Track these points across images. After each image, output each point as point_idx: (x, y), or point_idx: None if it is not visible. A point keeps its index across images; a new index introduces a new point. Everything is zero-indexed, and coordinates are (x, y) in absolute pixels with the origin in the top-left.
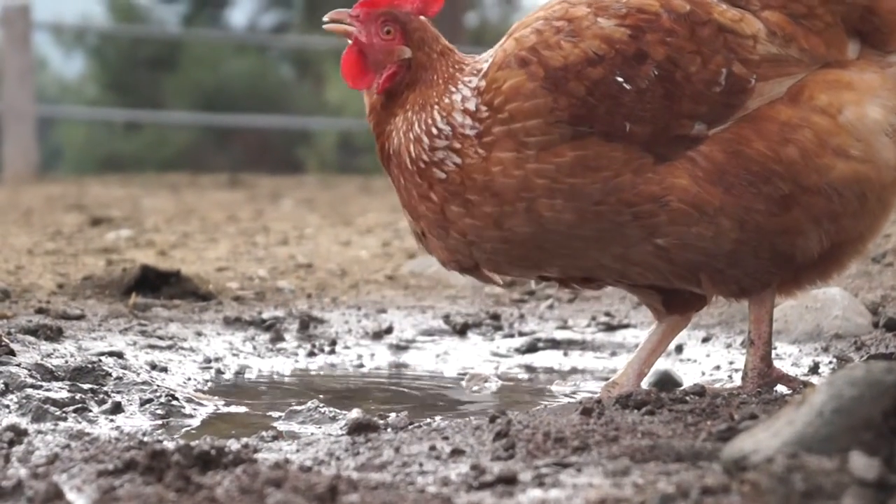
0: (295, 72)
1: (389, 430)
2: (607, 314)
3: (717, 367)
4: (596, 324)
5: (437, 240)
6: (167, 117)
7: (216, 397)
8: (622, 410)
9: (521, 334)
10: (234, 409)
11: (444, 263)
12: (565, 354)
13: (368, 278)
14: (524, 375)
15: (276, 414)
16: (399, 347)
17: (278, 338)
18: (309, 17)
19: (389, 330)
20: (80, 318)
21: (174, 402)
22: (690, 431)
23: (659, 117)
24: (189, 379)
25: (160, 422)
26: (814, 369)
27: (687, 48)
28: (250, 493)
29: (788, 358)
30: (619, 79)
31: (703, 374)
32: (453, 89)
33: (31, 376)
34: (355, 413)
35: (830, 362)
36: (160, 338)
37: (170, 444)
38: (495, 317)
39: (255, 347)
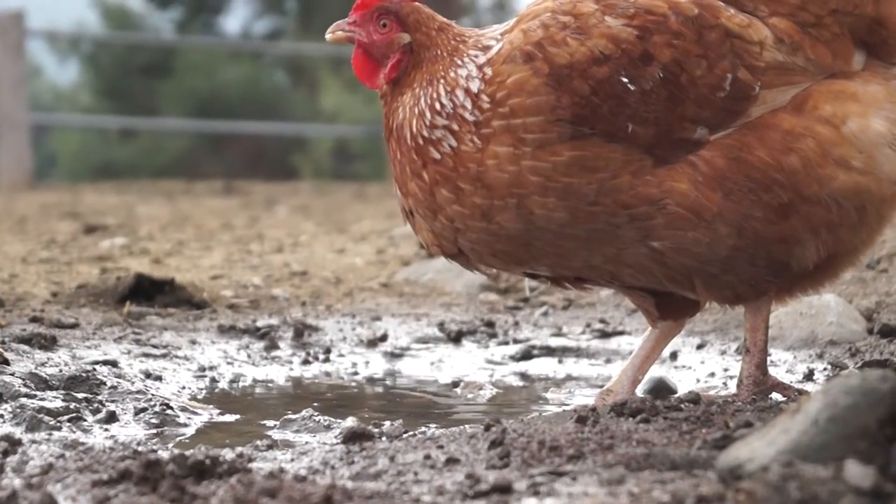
0: (289, 78)
1: (384, 438)
2: (602, 321)
3: (712, 375)
4: (591, 331)
5: (423, 220)
6: (162, 124)
7: (211, 406)
8: (617, 418)
9: (516, 341)
10: (228, 417)
11: (428, 246)
12: (560, 362)
13: (363, 286)
14: (519, 383)
15: (270, 423)
16: (394, 355)
17: (273, 346)
18: (303, 23)
19: (384, 338)
20: (74, 326)
21: (169, 411)
22: (685, 439)
23: (662, 119)
24: (183, 387)
25: (155, 431)
26: (808, 376)
27: (693, 52)
28: (245, 502)
29: (783, 364)
30: (624, 79)
31: (698, 381)
32: (459, 62)
33: (25, 385)
34: (350, 422)
35: (825, 369)
36: (155, 346)
37: (164, 454)
38: (490, 324)
39: (249, 356)
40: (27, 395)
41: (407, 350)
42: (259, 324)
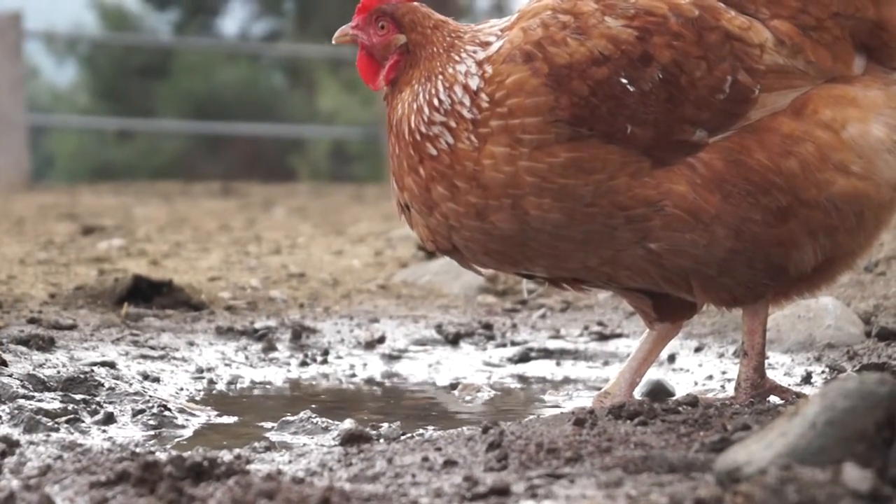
0: (287, 80)
1: (382, 440)
2: (600, 323)
3: (710, 377)
4: (588, 333)
5: (419, 216)
6: (159, 125)
7: (208, 407)
8: (615, 421)
9: (514, 344)
10: (226, 419)
11: (423, 241)
12: (558, 364)
13: (361, 288)
14: (517, 385)
15: (268, 424)
16: (391, 357)
17: (270, 347)
18: (301, 25)
19: (382, 339)
20: (72, 328)
21: (166, 413)
22: (683, 442)
23: (661, 121)
24: (181, 389)
25: (152, 432)
26: (806, 379)
27: (693, 53)
28: None
29: (781, 367)
30: (623, 80)
31: (696, 383)
32: (456, 58)
33: (23, 387)
34: (348, 424)
35: (823, 372)
36: (152, 348)
37: (162, 456)
38: (487, 326)
39: (247, 357)
40: (25, 397)
41: (405, 352)
42: (257, 325)
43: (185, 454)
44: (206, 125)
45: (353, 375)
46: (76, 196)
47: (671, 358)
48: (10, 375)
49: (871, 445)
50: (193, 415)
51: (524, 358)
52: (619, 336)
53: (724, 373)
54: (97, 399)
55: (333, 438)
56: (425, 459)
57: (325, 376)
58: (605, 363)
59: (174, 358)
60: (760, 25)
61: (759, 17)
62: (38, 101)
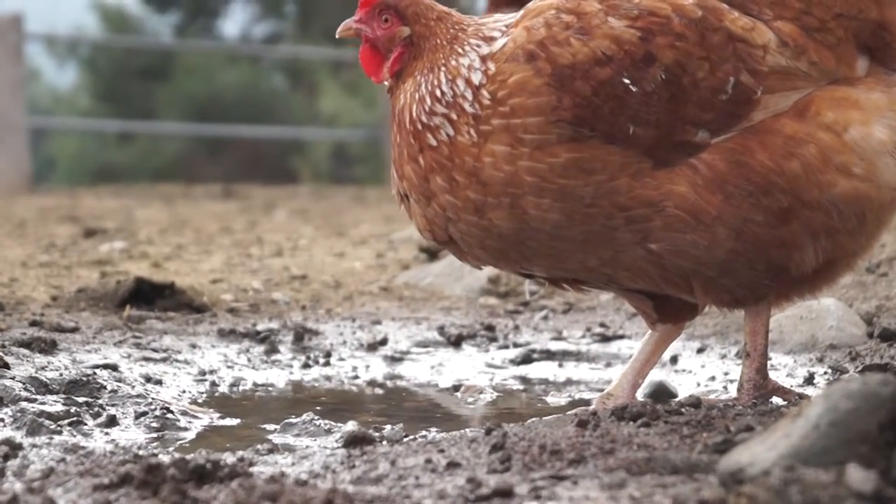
0: (288, 82)
1: (385, 442)
2: (602, 325)
3: (713, 378)
4: (591, 335)
5: (417, 205)
6: (160, 128)
7: (211, 410)
8: (618, 422)
9: (516, 345)
10: (228, 421)
11: (421, 231)
12: (560, 365)
13: (363, 290)
14: (519, 387)
15: (271, 426)
16: (394, 359)
17: (273, 350)
18: (302, 27)
19: (384, 341)
20: (74, 330)
21: (169, 415)
22: (686, 444)
23: (663, 121)
24: (184, 391)
25: (155, 435)
26: (809, 380)
27: (696, 54)
28: None
29: (783, 368)
30: (626, 80)
31: (699, 385)
32: (460, 51)
33: (25, 389)
34: (351, 426)
35: (825, 373)
36: (155, 350)
37: (165, 458)
38: (490, 328)
39: (249, 359)
40: (27, 399)
41: (407, 354)
42: (259, 328)
43: (188, 456)
44: (207, 127)
45: (356, 377)
46: (77, 198)
47: (673, 359)
48: (13, 378)
49: (874, 446)
50: (196, 417)
51: (526, 360)
52: (621, 337)
53: (726, 374)
54: (100, 401)
55: (336, 440)
56: (428, 461)
57: (328, 378)
58: (608, 364)
59: (176, 360)
60: (764, 27)
61: (763, 19)
62: (38, 103)
